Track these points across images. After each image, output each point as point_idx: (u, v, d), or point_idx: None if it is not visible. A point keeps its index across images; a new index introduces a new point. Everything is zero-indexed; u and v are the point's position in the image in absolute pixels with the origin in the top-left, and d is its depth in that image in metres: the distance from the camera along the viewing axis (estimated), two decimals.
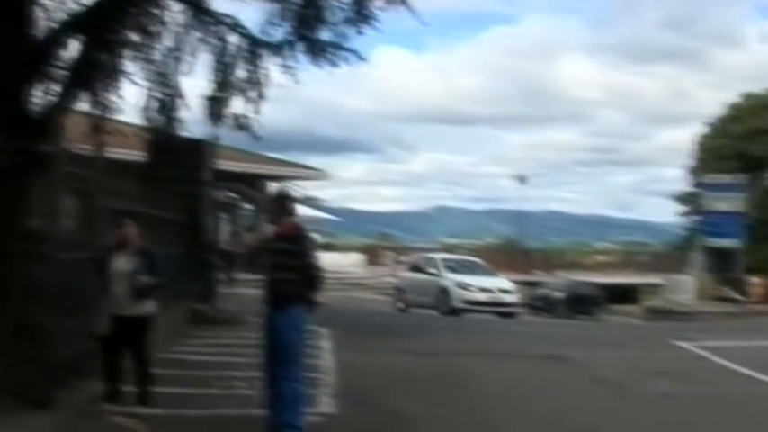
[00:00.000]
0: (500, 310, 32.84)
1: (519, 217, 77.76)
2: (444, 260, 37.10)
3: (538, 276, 59.89)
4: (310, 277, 9.66)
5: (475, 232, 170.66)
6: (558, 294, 45.20)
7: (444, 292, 33.35)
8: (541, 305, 45.06)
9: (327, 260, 22.65)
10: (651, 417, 12.14)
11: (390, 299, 38.32)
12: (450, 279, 33.95)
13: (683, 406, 12.94)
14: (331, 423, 10.63)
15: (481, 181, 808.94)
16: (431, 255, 41.09)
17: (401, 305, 35.96)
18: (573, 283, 48.19)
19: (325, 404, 11.53)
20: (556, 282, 49.25)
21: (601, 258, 73.48)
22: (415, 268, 37.34)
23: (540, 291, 47.78)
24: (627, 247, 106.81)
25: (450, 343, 20.05)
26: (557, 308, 43.14)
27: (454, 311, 32.17)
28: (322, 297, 9.95)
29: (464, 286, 33.35)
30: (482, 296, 33.11)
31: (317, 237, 18.36)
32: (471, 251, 58.43)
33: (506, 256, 68.69)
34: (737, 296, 43.84)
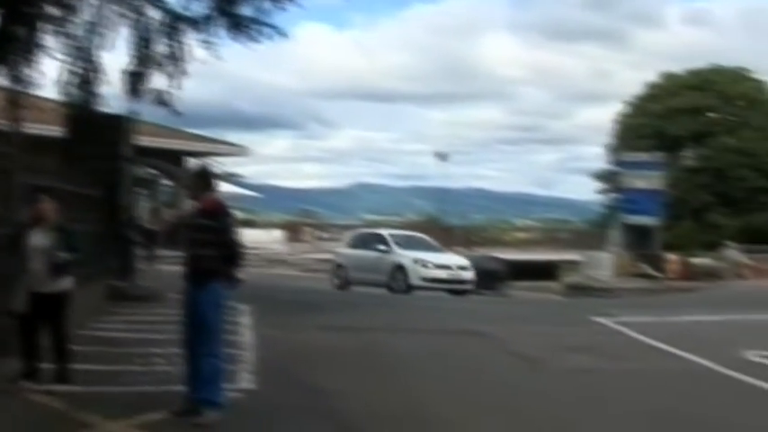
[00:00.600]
0: (457, 287, 32.47)
1: (441, 194, 77.96)
2: (393, 236, 35.94)
3: (458, 253, 60.01)
4: (231, 253, 9.66)
5: (397, 209, 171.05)
6: None
7: (400, 269, 32.46)
8: None
9: (248, 236, 22.64)
10: (568, 391, 12.31)
11: (327, 276, 36.92)
12: (405, 256, 33.04)
13: (600, 380, 13.14)
14: (250, 399, 10.63)
15: (403, 158, 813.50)
16: (377, 231, 39.68)
17: (339, 282, 34.99)
18: (476, 258, 48.12)
19: (244, 380, 11.52)
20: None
21: (521, 235, 74.01)
22: (358, 244, 36.18)
23: None
24: (548, 224, 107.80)
25: (373, 319, 20.09)
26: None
27: (411, 289, 31.60)
28: (243, 273, 9.94)
29: (423, 263, 32.59)
30: (442, 273, 32.54)
31: (237, 213, 18.28)
32: (394, 228, 58.40)
33: (427, 232, 68.79)
34: (654, 273, 44.49)
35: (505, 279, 45.48)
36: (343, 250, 37.09)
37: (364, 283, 33.56)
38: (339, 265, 36.09)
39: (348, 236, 39.53)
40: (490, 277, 44.89)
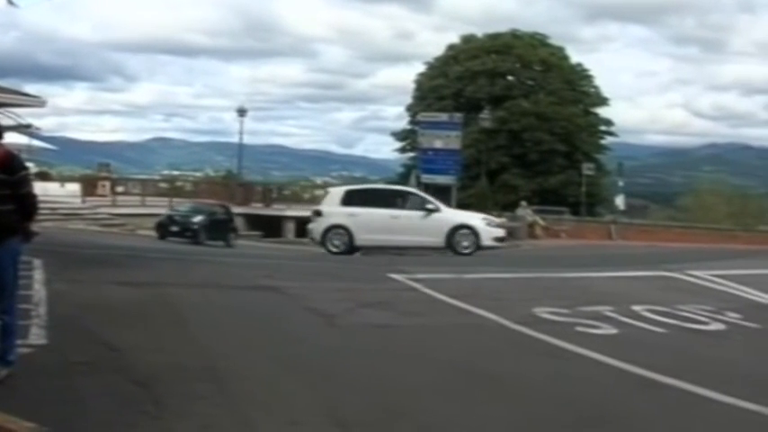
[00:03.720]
0: (500, 245, 32.52)
1: (240, 150, 77.64)
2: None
3: (256, 209, 60.40)
4: (25, 207, 9.42)
5: (196, 164, 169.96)
6: (198, 219, 44.48)
7: (465, 229, 31.22)
8: (178, 230, 44.57)
9: (42, 190, 22.15)
10: (360, 345, 12.51)
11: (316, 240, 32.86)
12: (469, 216, 32.83)
13: (393, 335, 13.38)
14: (41, 354, 10.48)
15: (203, 113, 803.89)
16: (399, 188, 38.45)
17: (338, 248, 31.58)
18: (208, 209, 47.94)
19: (35, 335, 11.34)
20: (191, 207, 48.84)
21: (321, 193, 74.29)
22: (365, 202, 32.34)
23: (176, 216, 46.91)
24: (347, 182, 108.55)
25: (170, 274, 19.94)
26: (200, 234, 42.72)
27: (478, 250, 30.87)
28: (37, 227, 9.76)
29: (489, 223, 32.58)
30: (501, 232, 32.74)
31: (31, 166, 17.73)
32: (193, 183, 57.89)
33: (225, 188, 68.97)
34: None
35: (236, 230, 46.56)
36: (337, 209, 32.41)
37: (391, 246, 31.95)
38: (334, 227, 32.06)
39: (334, 193, 34.62)
40: (220, 228, 45.44)
